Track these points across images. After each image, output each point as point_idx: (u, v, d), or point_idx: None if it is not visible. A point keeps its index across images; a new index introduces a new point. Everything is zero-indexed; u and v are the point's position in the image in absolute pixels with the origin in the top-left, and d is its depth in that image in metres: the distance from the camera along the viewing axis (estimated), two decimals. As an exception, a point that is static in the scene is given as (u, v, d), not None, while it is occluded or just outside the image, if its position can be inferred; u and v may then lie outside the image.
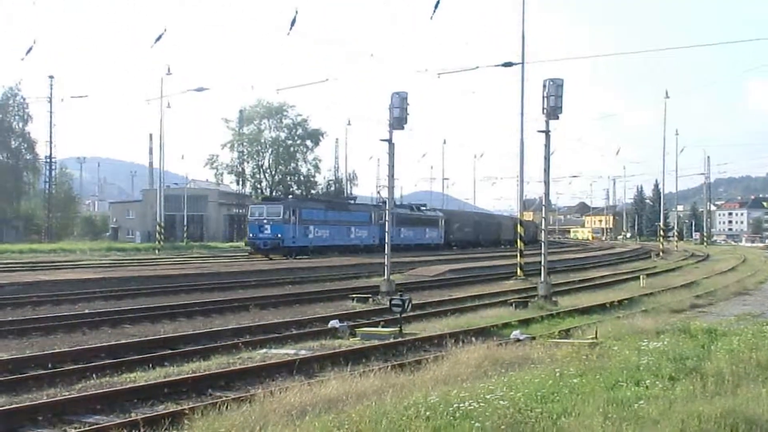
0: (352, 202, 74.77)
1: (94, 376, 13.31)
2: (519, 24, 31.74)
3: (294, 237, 57.54)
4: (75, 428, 10.11)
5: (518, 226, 37.85)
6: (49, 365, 14.14)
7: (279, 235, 56.40)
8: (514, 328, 18.75)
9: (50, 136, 75.32)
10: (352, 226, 67.95)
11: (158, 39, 41.97)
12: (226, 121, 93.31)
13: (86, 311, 22.35)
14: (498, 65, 32.45)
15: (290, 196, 70.41)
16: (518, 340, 16.83)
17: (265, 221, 57.75)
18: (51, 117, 75.66)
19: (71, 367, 13.80)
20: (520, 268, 33.56)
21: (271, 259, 53.76)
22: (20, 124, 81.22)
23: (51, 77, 76.78)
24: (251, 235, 59.78)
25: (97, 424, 10.22)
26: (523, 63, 30.75)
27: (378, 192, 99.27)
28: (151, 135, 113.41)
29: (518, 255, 34.31)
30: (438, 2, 29.91)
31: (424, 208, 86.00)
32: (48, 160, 76.54)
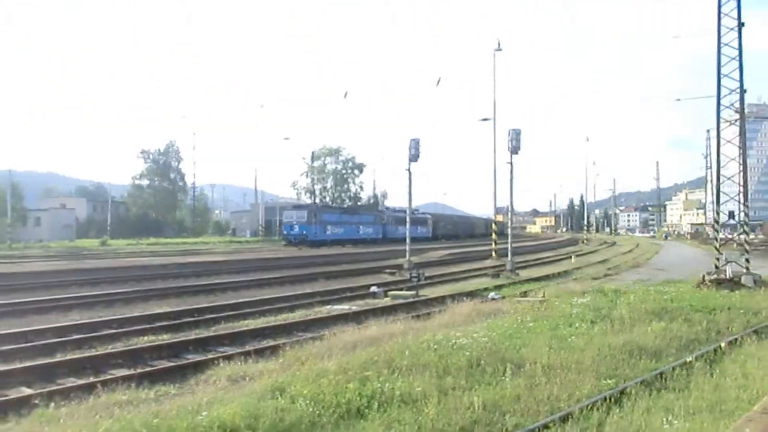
0: (361, 207, 71.15)
1: (222, 322, 13.51)
2: (491, 93, 31.66)
3: (315, 233, 54.00)
4: (212, 354, 10.28)
5: (493, 224, 37.84)
6: (195, 314, 14.28)
7: (304, 232, 53.50)
8: (490, 291, 18.70)
9: (194, 171, 76.45)
10: (361, 225, 63.49)
11: (262, 106, 42.27)
12: (303, 158, 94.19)
13: (216, 281, 22.56)
14: (480, 120, 32.39)
15: (317, 204, 67.02)
16: (494, 299, 16.80)
17: (294, 222, 54.61)
18: (194, 158, 76.67)
19: (209, 317, 13.93)
20: (495, 252, 33.34)
21: (299, 249, 49.49)
22: (175, 163, 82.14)
23: (194, 133, 78.41)
24: (285, 232, 56.16)
25: (225, 351, 10.38)
26: (494, 119, 30.72)
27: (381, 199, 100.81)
28: (255, 168, 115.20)
29: (493, 243, 34.11)
30: (439, 80, 29.82)
31: (416, 212, 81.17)
32: (193, 186, 77.57)
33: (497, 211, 37.60)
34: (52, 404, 7.04)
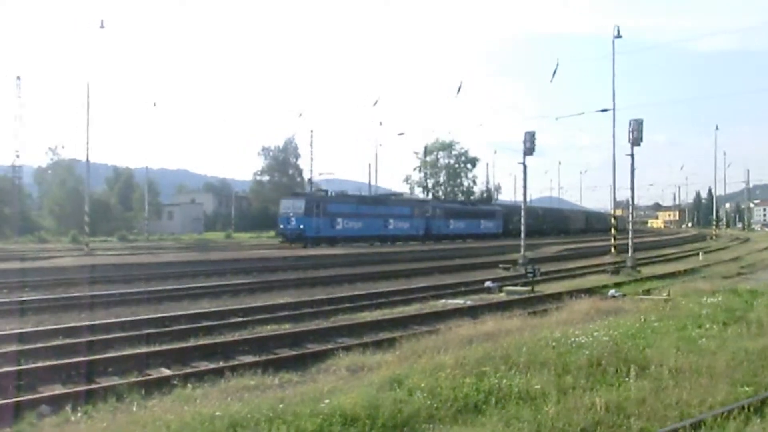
0: (393, 197, 55.37)
1: (340, 313, 13.88)
2: (611, 81, 30.23)
3: (317, 228, 42.07)
4: (331, 345, 10.58)
5: (612, 219, 36.26)
6: (314, 306, 14.71)
7: (301, 227, 41.48)
8: (610, 288, 17.93)
9: (311, 167, 78.53)
10: (391, 219, 48.83)
11: (375, 103, 42.93)
12: (416, 153, 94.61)
13: (332, 273, 23.18)
14: (597, 111, 31.05)
15: (325, 191, 51.76)
16: (614, 296, 16.11)
17: (291, 214, 42.60)
18: (312, 155, 78.87)
19: (327, 308, 14.30)
20: (614, 248, 31.92)
21: (305, 247, 39.53)
22: (294, 159, 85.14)
23: (311, 131, 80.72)
24: (281, 226, 43.50)
25: (344, 342, 10.65)
26: (614, 109, 29.31)
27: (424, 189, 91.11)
28: (369, 164, 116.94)
29: (612, 238, 32.71)
30: (555, 71, 28.88)
31: (478, 203, 68.14)
32: (310, 181, 79.86)
33: (616, 205, 35.97)
34: (189, 385, 7.59)
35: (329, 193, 48.76)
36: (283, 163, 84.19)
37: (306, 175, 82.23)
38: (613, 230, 33.26)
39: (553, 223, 74.47)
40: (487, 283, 18.94)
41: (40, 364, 8.80)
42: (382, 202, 51.14)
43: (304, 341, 10.92)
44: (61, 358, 9.09)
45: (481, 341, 9.25)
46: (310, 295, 17.18)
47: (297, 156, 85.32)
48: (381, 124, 56.90)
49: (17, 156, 55.57)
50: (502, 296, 17.11)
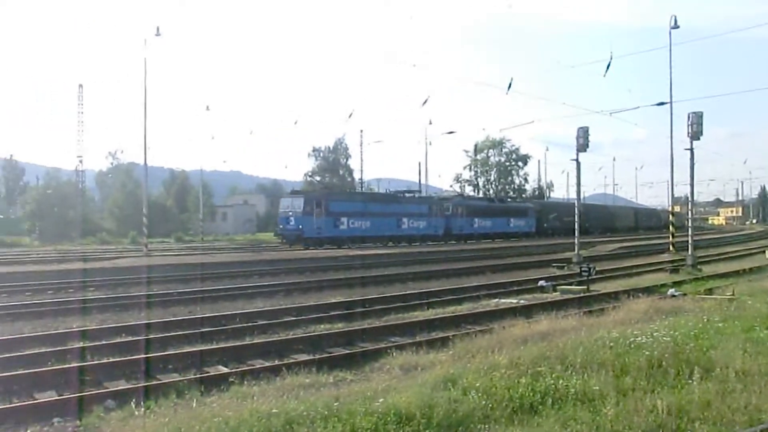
0: (407, 195, 50.23)
1: (392, 312, 13.90)
2: (668, 74, 29.30)
3: (319, 228, 38.74)
4: (384, 343, 10.60)
5: (670, 215, 35.19)
6: (366, 305, 14.80)
7: (300, 227, 38.22)
8: (669, 287, 17.39)
9: (361, 167, 79.08)
10: (405, 218, 45.01)
11: (424, 102, 42.83)
12: (466, 152, 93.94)
13: (384, 273, 23.26)
14: (653, 104, 30.17)
15: (327, 188, 49.12)
16: (673, 296, 15.62)
17: (290, 213, 39.41)
18: (362, 155, 79.42)
19: (378, 307, 14.36)
20: (672, 245, 30.98)
21: (307, 248, 37.10)
22: (344, 160, 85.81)
23: (361, 131, 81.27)
24: (280, 226, 40.64)
25: (396, 342, 10.64)
26: (671, 102, 28.42)
27: (455, 186, 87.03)
28: (419, 163, 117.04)
29: (671, 236, 31.77)
30: (609, 64, 28.15)
31: (507, 199, 62.78)
32: (360, 181, 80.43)
33: (674, 201, 34.88)
34: (245, 383, 7.74)
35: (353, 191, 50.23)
36: (333, 164, 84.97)
37: (356, 176, 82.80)
38: (671, 227, 32.29)
39: (598, 220, 68.88)
40: (541, 282, 18.66)
41: (104, 360, 9.14)
42: (394, 199, 47.30)
43: (357, 340, 10.98)
44: (124, 355, 9.41)
45: (535, 341, 9.12)
46: (362, 294, 17.27)
47: (347, 156, 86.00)
48: (431, 122, 56.62)
49: (80, 161, 57.80)
50: (556, 295, 16.82)
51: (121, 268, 23.66)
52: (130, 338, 10.71)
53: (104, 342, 10.31)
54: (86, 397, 7.33)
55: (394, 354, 9.39)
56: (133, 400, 7.13)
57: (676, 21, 27.42)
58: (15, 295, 16.54)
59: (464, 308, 14.47)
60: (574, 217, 30.14)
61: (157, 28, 34.76)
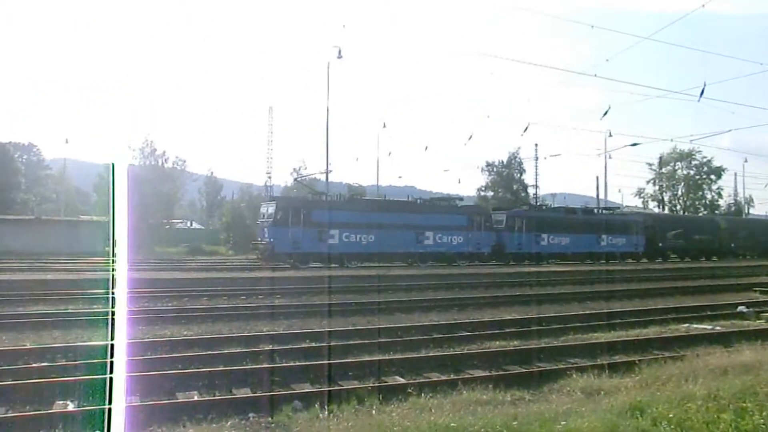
0: (440, 201, 41.43)
1: (571, 332, 13.35)
2: None
3: (295, 242, 31.15)
4: (563, 364, 10.24)
5: None
6: (543, 323, 14.41)
7: (272, 240, 31.22)
8: None
9: (536, 182, 77.08)
10: (429, 231, 35.41)
11: (605, 113, 40.52)
12: (649, 165, 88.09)
13: (561, 291, 22.44)
14: None
15: (313, 190, 38.67)
16: None
17: (265, 223, 32.51)
18: (536, 170, 77.45)
19: (556, 326, 13.88)
20: None
21: (294, 267, 30.51)
22: (518, 174, 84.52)
23: (536, 144, 79.67)
24: (258, 238, 33.67)
25: (575, 363, 10.23)
26: None
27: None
28: (597, 177, 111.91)
29: None
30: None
31: (605, 209, 48.64)
32: (535, 196, 78.30)
33: None
34: (422, 395, 7.87)
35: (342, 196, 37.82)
36: (506, 179, 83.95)
37: (531, 191, 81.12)
38: None
39: (747, 239, 53.04)
40: (741, 308, 16.89)
41: (291, 363, 9.81)
42: (414, 208, 37.06)
43: (534, 359, 10.70)
44: (308, 360, 10.03)
45: (737, 373, 8.29)
46: (538, 312, 16.81)
47: (521, 171, 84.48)
48: (610, 134, 53.64)
49: (269, 177, 62.73)
50: (761, 323, 15.10)
51: (304, 277, 25.24)
52: (313, 344, 11.38)
53: (290, 346, 11.04)
54: (276, 397, 7.92)
55: (575, 375, 9.01)
56: (318, 402, 7.56)
57: None
58: (214, 299, 18.34)
59: (650, 331, 13.53)
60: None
61: (339, 51, 36.89)
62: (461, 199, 47.53)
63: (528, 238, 39.55)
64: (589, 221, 43.38)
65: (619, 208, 56.13)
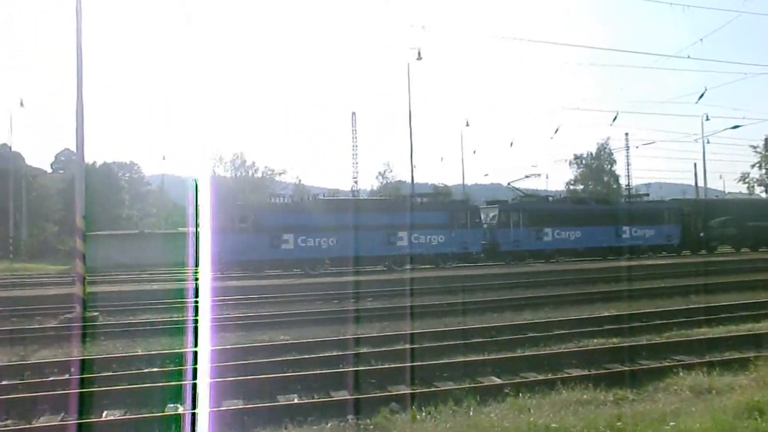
0: (408, 199, 37.76)
1: (674, 328, 12.75)
2: None
3: (244, 250, 28.03)
4: (667, 362, 9.78)
5: None
6: (644, 319, 13.88)
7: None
8: None
9: (627, 172, 74.05)
10: (401, 231, 30.72)
11: (700, 96, 37.79)
12: (753, 148, 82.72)
13: (660, 285, 21.43)
14: None
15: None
16: None
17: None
18: (628, 159, 74.40)
19: (657, 322, 13.31)
20: None
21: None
22: (608, 166, 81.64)
23: (626, 134, 76.33)
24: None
25: (681, 361, 9.77)
26: None
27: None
28: (695, 164, 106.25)
29: None
30: None
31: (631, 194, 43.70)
32: (627, 187, 75.20)
33: None
34: (520, 395, 7.74)
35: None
36: (596, 171, 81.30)
37: (623, 182, 78.18)
38: None
39: None
40: None
41: (386, 365, 9.88)
42: (383, 206, 33.54)
43: (636, 357, 10.28)
44: (403, 361, 10.06)
45: None
46: (637, 307, 16.14)
47: (612, 162, 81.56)
48: (707, 118, 50.37)
49: (355, 181, 63.61)
50: None
51: (391, 280, 25.36)
52: (407, 345, 11.41)
53: (384, 348, 11.13)
54: (373, 399, 8.01)
55: (681, 374, 8.58)
56: (414, 404, 7.58)
57: None
58: (309, 304, 18.78)
59: (765, 326, 12.67)
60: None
61: (418, 52, 36.97)
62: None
63: (527, 233, 34.65)
64: (606, 212, 37.98)
65: (647, 195, 49.42)
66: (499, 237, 34.09)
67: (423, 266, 30.77)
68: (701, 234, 39.44)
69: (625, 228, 36.74)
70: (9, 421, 7.65)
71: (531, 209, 35.75)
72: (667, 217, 38.69)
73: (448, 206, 34.70)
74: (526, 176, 40.25)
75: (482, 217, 34.09)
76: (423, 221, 31.54)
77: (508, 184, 38.76)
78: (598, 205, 38.98)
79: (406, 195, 38.79)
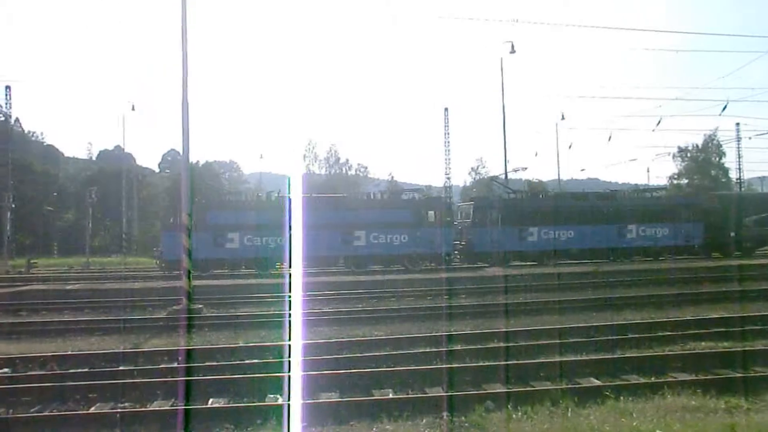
0: (368, 196, 35.60)
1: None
2: None
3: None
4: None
5: None
6: (756, 323, 12.91)
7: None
8: None
9: (738, 165, 69.44)
10: (358, 231, 29.24)
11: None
12: None
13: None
14: None
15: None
16: None
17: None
18: (738, 151, 69.77)
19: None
20: None
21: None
22: (716, 158, 77.07)
23: (737, 124, 71.56)
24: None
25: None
26: None
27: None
28: None
29: None
30: None
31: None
32: (738, 180, 70.60)
33: None
34: (621, 398, 7.46)
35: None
36: (703, 164, 76.89)
37: (732, 174, 73.38)
38: None
39: None
40: None
41: (480, 363, 9.79)
42: (338, 204, 30.84)
43: (750, 362, 9.66)
44: (498, 360, 9.94)
45: None
46: (749, 310, 15.16)
47: (720, 154, 76.85)
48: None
49: (447, 178, 63.36)
50: None
51: (484, 277, 25.05)
52: (501, 344, 11.26)
53: (479, 346, 11.03)
54: (468, 397, 7.96)
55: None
56: (510, 403, 7.47)
57: None
58: (400, 300, 18.91)
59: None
60: None
61: (512, 45, 36.35)
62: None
63: (507, 232, 30.86)
64: (607, 208, 33.29)
65: (664, 188, 45.51)
66: (473, 237, 31.29)
67: (390, 269, 29.18)
68: (732, 234, 34.27)
69: (631, 227, 32.75)
70: (127, 404, 8.20)
71: (511, 206, 32.34)
72: (685, 214, 33.81)
73: (412, 203, 32.12)
74: (514, 170, 38.41)
75: (460, 215, 31.96)
76: (383, 219, 29.87)
77: (491, 179, 35.87)
78: (598, 201, 34.14)
79: (364, 192, 37.40)
